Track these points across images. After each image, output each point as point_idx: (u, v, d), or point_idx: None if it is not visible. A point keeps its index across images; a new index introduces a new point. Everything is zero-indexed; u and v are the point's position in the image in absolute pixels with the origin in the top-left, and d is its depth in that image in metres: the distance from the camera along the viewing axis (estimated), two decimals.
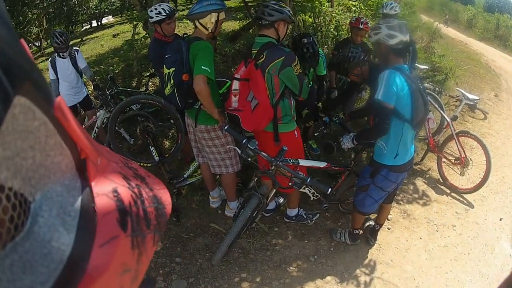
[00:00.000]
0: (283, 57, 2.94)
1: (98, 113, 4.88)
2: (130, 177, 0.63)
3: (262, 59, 2.97)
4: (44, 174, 0.45)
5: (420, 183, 4.83)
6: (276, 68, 2.95)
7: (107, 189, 0.53)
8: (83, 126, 4.78)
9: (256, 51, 3.04)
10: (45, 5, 9.28)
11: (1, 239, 0.37)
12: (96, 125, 4.86)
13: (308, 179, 2.67)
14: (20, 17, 9.25)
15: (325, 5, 7.49)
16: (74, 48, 5.13)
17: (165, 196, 0.69)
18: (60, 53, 4.85)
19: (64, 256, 0.44)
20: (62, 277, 0.42)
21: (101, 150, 0.61)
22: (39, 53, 11.18)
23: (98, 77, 7.04)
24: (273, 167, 2.92)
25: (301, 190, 3.17)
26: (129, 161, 0.71)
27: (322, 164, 3.30)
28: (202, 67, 2.92)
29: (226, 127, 3.00)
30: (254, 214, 3.23)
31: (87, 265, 0.45)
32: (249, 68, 3.04)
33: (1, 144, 0.36)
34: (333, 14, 7.70)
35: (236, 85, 3.14)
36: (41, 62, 9.54)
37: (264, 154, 2.88)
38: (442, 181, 4.78)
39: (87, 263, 0.45)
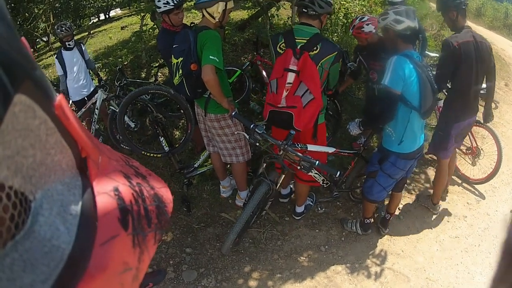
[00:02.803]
0: (336, 53, 2.86)
1: (96, 94, 4.94)
2: (131, 176, 0.63)
3: (316, 51, 2.82)
4: (44, 173, 0.45)
5: (431, 173, 4.79)
6: (328, 63, 2.86)
7: (108, 188, 0.53)
8: (83, 108, 4.83)
9: (304, 41, 2.86)
10: (51, 0, 9.28)
11: (1, 238, 0.37)
12: (96, 107, 4.90)
13: (317, 163, 2.66)
14: (26, 13, 9.27)
15: None
16: (79, 42, 5.21)
17: (167, 195, 0.70)
18: (66, 43, 4.91)
19: (65, 254, 0.43)
20: (62, 275, 0.42)
21: (102, 149, 0.61)
22: (47, 48, 11.22)
23: (106, 69, 7.08)
24: (281, 152, 2.91)
25: (310, 175, 3.15)
26: (130, 160, 0.72)
27: (330, 150, 3.27)
28: (210, 56, 2.90)
29: (234, 113, 2.99)
30: (264, 201, 3.24)
31: (88, 264, 0.45)
32: (304, 60, 2.77)
33: (2, 142, 0.36)
34: (342, 2, 7.64)
35: (291, 78, 2.80)
36: (49, 57, 9.59)
37: (272, 138, 2.86)
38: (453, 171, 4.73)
39: (87, 261, 0.45)
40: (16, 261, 0.38)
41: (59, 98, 0.47)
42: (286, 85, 2.81)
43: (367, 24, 3.91)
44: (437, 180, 3.98)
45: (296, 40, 2.87)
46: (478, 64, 3.36)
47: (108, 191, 0.52)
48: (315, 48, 2.82)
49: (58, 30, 4.86)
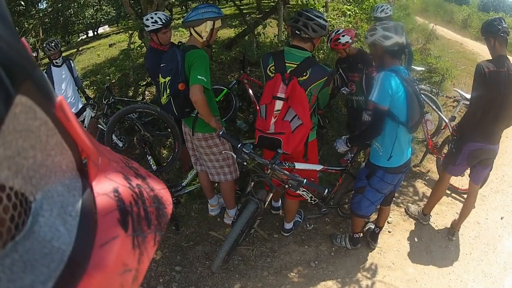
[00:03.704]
0: (326, 78, 2.85)
1: (84, 113, 4.92)
2: (131, 177, 0.63)
3: (306, 77, 2.81)
4: (45, 174, 0.45)
5: (420, 185, 4.83)
6: (317, 89, 2.86)
7: (108, 189, 0.53)
8: None
9: (294, 65, 2.84)
10: (41, 15, 9.29)
11: (1, 238, 0.37)
12: (84, 125, 4.86)
13: (305, 181, 2.66)
14: (17, 28, 9.26)
15: (320, 10, 7.50)
16: (68, 58, 5.16)
17: (166, 196, 0.69)
18: (54, 61, 4.88)
19: (65, 255, 0.44)
20: (62, 276, 0.42)
21: (101, 150, 0.61)
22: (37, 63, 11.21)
23: (94, 87, 7.07)
24: (269, 171, 2.91)
25: (298, 193, 3.16)
26: (130, 161, 0.72)
27: (318, 167, 3.27)
28: (198, 76, 2.90)
29: (221, 133, 2.98)
30: (253, 220, 3.23)
31: (88, 265, 0.45)
32: (292, 86, 2.76)
33: (2, 143, 0.36)
34: (328, 19, 7.71)
35: (279, 105, 2.80)
36: None
37: (259, 157, 2.86)
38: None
39: (87, 262, 0.45)
40: (16, 262, 0.38)
41: (59, 99, 0.47)
42: (274, 112, 2.81)
43: (343, 36, 4.02)
44: (434, 192, 3.98)
45: (286, 64, 2.86)
46: (505, 96, 3.26)
47: (108, 192, 0.53)
48: (304, 74, 2.80)
49: (46, 48, 4.84)
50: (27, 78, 0.41)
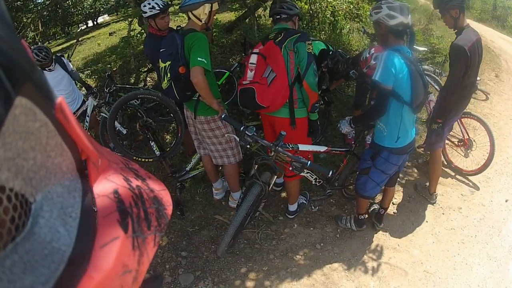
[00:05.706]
0: (299, 34, 3.06)
1: (86, 102, 4.86)
2: (131, 178, 0.63)
3: (280, 38, 3.07)
4: (45, 175, 0.45)
5: (424, 166, 4.80)
6: (291, 43, 3.02)
7: (108, 190, 0.54)
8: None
9: (273, 34, 3.17)
10: (39, 9, 9.26)
11: (2, 240, 0.38)
12: (87, 114, 4.82)
13: (309, 163, 2.66)
14: (15, 23, 9.24)
15: None
16: (57, 54, 4.91)
17: (166, 197, 0.70)
18: (47, 69, 4.55)
19: (65, 256, 0.44)
20: (62, 277, 0.42)
21: (101, 151, 0.61)
22: None
23: (96, 76, 7.05)
24: (273, 153, 2.91)
25: (302, 174, 3.15)
26: (130, 162, 0.72)
27: (322, 148, 3.28)
28: (198, 58, 2.90)
29: (223, 116, 2.99)
30: (257, 203, 3.24)
31: (88, 266, 0.46)
32: (268, 44, 3.12)
33: (2, 145, 0.36)
34: (329, 0, 7.64)
35: (253, 59, 3.19)
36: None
37: (262, 140, 2.87)
38: (446, 163, 4.73)
39: (87, 263, 0.46)
40: (16, 263, 0.38)
41: (59, 100, 0.47)
42: (250, 64, 3.20)
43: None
44: (432, 170, 4.03)
45: (269, 36, 3.22)
46: (478, 60, 3.43)
47: (108, 193, 0.53)
48: (280, 36, 3.09)
49: (36, 59, 4.38)
50: (27, 80, 0.41)
